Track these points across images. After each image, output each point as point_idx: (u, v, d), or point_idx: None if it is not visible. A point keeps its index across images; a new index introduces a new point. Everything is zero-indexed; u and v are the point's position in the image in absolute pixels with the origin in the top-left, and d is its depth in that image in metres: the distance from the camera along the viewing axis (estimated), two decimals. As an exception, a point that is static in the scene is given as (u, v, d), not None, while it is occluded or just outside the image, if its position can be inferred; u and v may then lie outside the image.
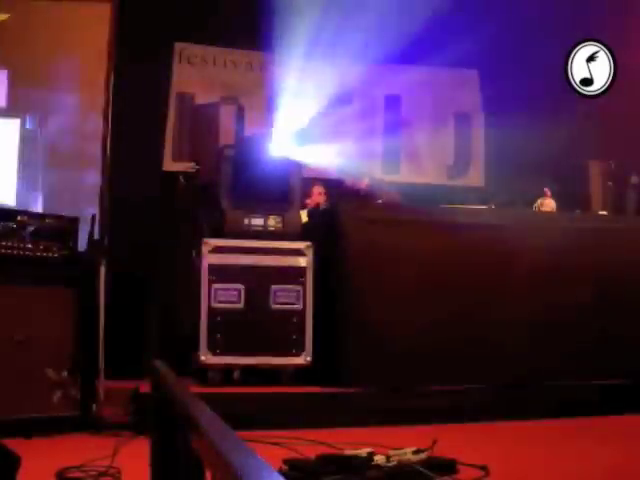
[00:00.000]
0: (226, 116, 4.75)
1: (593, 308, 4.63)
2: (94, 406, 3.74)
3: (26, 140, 5.33)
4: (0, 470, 2.09)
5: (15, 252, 3.64)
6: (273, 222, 4.44)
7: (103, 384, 3.91)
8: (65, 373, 3.66)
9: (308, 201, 5.72)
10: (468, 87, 7.66)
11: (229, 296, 4.23)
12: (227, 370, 4.35)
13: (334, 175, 6.26)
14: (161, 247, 6.36)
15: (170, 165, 6.67)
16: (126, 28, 5.74)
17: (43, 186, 5.33)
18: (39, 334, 3.61)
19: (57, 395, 3.63)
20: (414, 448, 2.68)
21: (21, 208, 4.57)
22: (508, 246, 4.58)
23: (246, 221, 4.41)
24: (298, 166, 4.80)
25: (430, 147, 7.65)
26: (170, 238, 6.23)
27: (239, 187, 4.50)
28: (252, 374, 4.61)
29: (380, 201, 5.54)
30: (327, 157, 6.09)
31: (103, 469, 2.65)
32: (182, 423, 1.24)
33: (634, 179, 5.39)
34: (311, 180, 5.62)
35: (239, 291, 4.25)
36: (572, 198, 5.38)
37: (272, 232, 4.42)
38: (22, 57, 5.51)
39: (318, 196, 5.01)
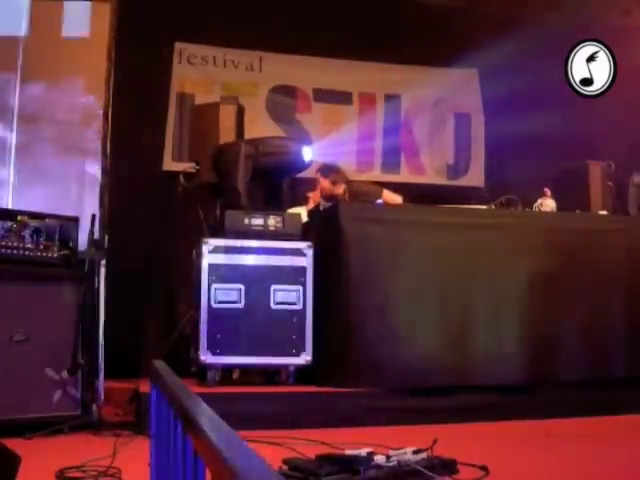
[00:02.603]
0: (226, 116, 4.74)
1: (593, 308, 4.63)
2: (94, 406, 3.74)
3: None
4: (0, 470, 2.09)
5: (15, 252, 3.64)
6: (273, 222, 4.44)
7: (103, 384, 3.91)
8: (65, 373, 3.66)
9: (310, 195, 5.78)
10: (468, 87, 7.66)
11: (229, 296, 4.23)
12: (227, 370, 4.35)
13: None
14: (161, 247, 6.36)
15: (170, 165, 6.67)
16: (126, 28, 5.74)
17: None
18: (39, 334, 3.61)
19: (57, 395, 3.63)
20: (414, 448, 2.68)
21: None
22: (508, 246, 4.58)
23: (246, 221, 4.41)
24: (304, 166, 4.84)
25: (430, 147, 7.65)
26: (170, 238, 6.24)
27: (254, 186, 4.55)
28: (252, 374, 4.61)
29: (380, 201, 5.53)
30: (326, 157, 6.08)
31: (103, 469, 2.65)
32: (182, 423, 1.24)
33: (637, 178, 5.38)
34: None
35: (239, 291, 4.25)
36: (572, 198, 5.37)
37: (272, 232, 4.42)
38: (22, 57, 5.51)
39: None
